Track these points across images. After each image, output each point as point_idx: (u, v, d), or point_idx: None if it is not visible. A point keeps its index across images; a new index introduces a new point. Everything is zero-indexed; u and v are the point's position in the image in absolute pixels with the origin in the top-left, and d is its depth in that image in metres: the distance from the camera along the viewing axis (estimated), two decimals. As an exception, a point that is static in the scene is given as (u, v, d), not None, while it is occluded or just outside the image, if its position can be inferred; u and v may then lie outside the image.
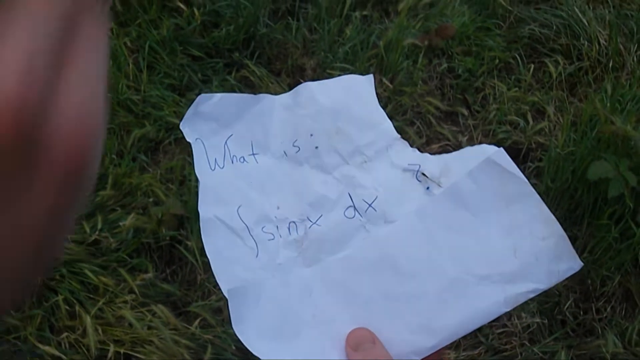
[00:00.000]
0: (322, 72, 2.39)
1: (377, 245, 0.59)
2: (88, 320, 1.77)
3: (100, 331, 1.78)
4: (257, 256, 0.62)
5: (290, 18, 2.61)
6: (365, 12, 2.68)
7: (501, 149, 0.59)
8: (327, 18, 2.57)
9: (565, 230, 0.58)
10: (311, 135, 0.67)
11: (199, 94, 2.19)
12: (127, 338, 1.79)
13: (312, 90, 0.70)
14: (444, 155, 0.63)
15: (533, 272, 0.56)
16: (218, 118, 0.67)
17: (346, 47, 2.46)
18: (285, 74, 2.46)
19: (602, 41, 2.78)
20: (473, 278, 0.56)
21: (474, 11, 2.82)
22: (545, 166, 2.28)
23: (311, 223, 0.63)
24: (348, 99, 0.68)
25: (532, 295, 0.56)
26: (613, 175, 2.03)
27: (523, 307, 2.05)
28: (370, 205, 0.62)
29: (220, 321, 1.88)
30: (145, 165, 2.18)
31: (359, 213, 0.63)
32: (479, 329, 1.96)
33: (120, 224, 1.96)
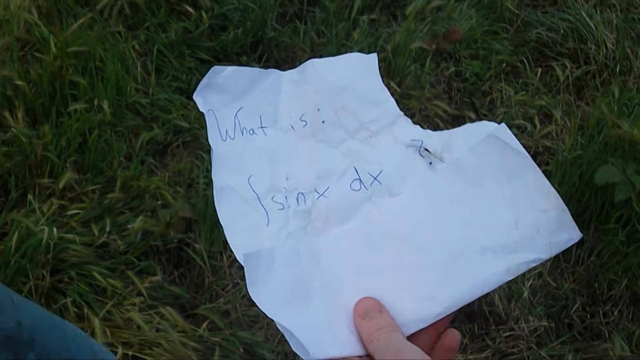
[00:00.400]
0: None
1: (383, 217, 0.62)
2: (96, 322, 1.78)
3: (108, 333, 1.79)
4: (267, 224, 0.64)
5: (298, 21, 2.63)
6: (373, 16, 2.69)
7: (503, 124, 0.61)
8: (334, 22, 2.58)
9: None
10: (318, 110, 0.70)
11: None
12: (135, 340, 1.80)
13: (318, 67, 0.72)
14: (446, 131, 0.65)
15: (534, 242, 0.58)
16: (229, 91, 0.70)
17: (354, 51, 2.46)
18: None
19: (609, 45, 2.79)
20: (476, 249, 0.58)
21: (481, 15, 2.82)
22: (553, 170, 2.29)
23: (318, 195, 0.65)
24: (353, 76, 0.71)
25: (533, 265, 0.58)
26: (620, 180, 2.04)
27: (530, 310, 2.06)
28: (375, 178, 0.65)
29: (228, 324, 1.89)
30: (153, 168, 2.19)
31: (365, 186, 0.65)
32: (487, 333, 1.96)
33: (129, 226, 1.97)
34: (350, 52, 2.44)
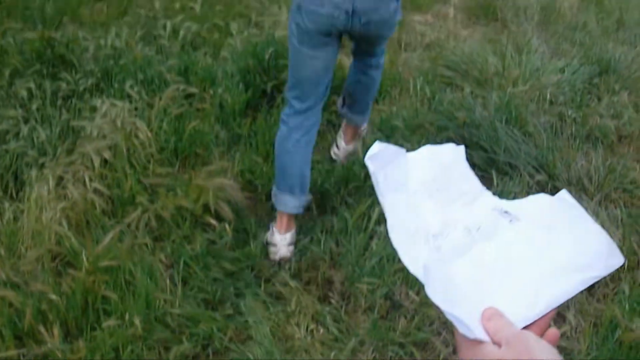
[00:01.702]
0: (350, 286, 2.59)
1: (489, 254, 0.89)
2: None
3: None
4: (420, 253, 0.92)
5: (319, 232, 2.85)
6: (389, 226, 2.88)
7: (564, 190, 0.89)
8: (353, 232, 2.80)
9: None
10: (433, 180, 1.00)
11: (232, 305, 2.35)
12: None
13: (430, 152, 1.03)
14: (517, 200, 0.93)
15: (596, 264, 0.88)
16: (381, 160, 0.99)
17: (372, 262, 2.67)
18: (314, 285, 2.66)
19: (616, 241, 2.97)
20: (557, 270, 0.86)
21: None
22: (572, 374, 2.42)
23: (443, 237, 0.93)
24: (451, 160, 1.03)
25: (597, 279, 0.84)
26: (635, 385, 2.18)
27: None
28: (478, 229, 0.93)
29: None
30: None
31: (472, 234, 0.93)
32: None
33: None
34: (369, 262, 2.67)
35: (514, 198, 2.78)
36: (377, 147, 1.00)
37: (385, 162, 0.99)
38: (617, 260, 0.86)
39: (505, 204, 0.93)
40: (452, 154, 1.04)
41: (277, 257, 2.78)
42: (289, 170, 2.82)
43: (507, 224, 0.90)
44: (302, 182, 2.83)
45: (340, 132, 3.51)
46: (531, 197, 0.95)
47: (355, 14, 2.56)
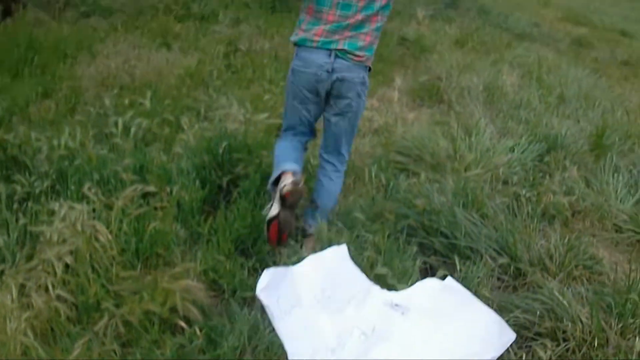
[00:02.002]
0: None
1: (388, 354, 0.93)
2: None
3: None
4: None
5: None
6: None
7: (449, 277, 0.95)
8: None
9: None
10: (322, 289, 1.05)
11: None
12: None
13: (315, 260, 1.06)
14: (406, 290, 0.97)
15: (490, 345, 0.89)
16: (271, 289, 1.02)
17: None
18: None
19: (584, 319, 3.01)
20: (453, 356, 0.89)
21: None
22: None
23: (341, 348, 0.97)
24: (337, 262, 1.08)
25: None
26: None
27: None
28: (372, 331, 0.97)
29: None
30: None
31: (367, 337, 0.97)
32: None
33: None
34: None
35: (478, 284, 2.82)
36: (266, 276, 1.04)
37: (276, 287, 1.03)
38: (508, 337, 0.92)
39: (394, 296, 0.97)
40: (336, 256, 1.09)
41: (284, 192, 3.04)
42: (288, 151, 3.53)
43: (399, 318, 0.94)
44: (299, 159, 3.55)
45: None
46: (419, 284, 1.00)
47: (333, 72, 3.41)
